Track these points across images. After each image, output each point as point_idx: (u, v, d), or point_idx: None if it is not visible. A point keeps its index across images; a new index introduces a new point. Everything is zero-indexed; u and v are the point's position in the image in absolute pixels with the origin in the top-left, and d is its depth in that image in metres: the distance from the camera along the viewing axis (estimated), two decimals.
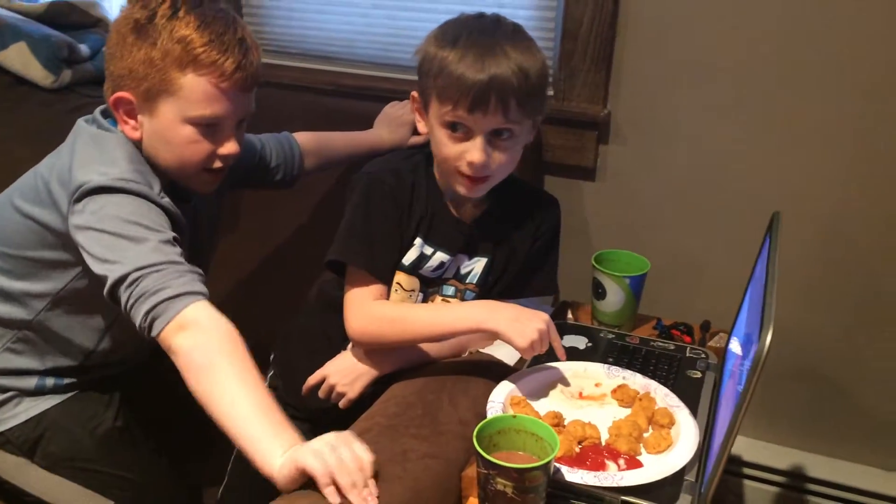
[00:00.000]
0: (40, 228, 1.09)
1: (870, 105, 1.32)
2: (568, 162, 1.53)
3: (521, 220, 1.17)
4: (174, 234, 1.00)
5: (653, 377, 1.09)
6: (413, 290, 1.14)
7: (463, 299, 1.17)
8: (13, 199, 1.13)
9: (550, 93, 1.54)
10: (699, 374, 1.12)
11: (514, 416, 0.88)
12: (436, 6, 1.58)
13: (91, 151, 1.05)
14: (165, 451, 1.28)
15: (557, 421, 0.97)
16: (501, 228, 1.16)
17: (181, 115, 1.03)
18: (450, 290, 1.16)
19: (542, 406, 1.02)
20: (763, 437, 1.57)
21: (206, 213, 1.22)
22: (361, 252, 1.07)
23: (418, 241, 1.11)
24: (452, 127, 1.03)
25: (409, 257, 1.11)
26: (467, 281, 1.17)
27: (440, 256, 1.12)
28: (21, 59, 1.65)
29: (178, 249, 0.98)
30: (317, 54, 1.73)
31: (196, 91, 1.02)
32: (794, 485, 1.55)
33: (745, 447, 1.57)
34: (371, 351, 1.11)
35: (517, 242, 1.17)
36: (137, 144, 1.08)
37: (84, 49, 1.72)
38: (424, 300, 1.15)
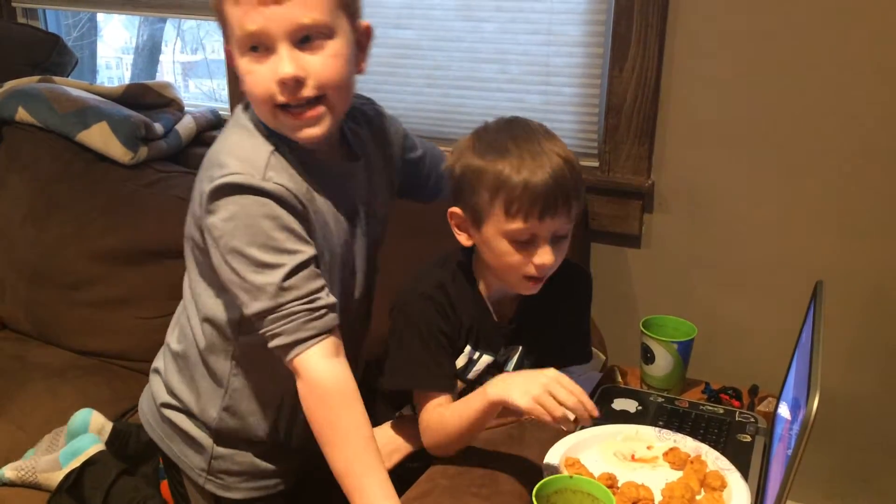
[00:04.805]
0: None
1: None
2: (614, 230, 1.60)
3: (554, 300, 1.16)
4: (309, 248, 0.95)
5: (703, 441, 1.12)
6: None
7: None
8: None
9: (595, 164, 1.62)
10: (749, 438, 1.15)
11: (571, 477, 0.92)
12: (486, 84, 1.68)
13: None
14: None
15: (611, 482, 1.01)
16: (536, 316, 1.16)
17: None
18: (486, 376, 1.16)
19: (596, 467, 1.05)
20: (811, 500, 1.57)
21: (380, 184, 1.14)
22: (425, 375, 1.08)
23: (468, 348, 1.13)
24: (518, 237, 1.02)
25: (458, 363, 1.13)
26: (504, 369, 1.17)
27: (486, 360, 1.14)
28: (102, 138, 1.78)
29: (304, 274, 0.94)
30: None
31: None
32: None
33: None
34: (409, 426, 1.13)
35: (551, 322, 1.17)
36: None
37: (158, 127, 1.84)
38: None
